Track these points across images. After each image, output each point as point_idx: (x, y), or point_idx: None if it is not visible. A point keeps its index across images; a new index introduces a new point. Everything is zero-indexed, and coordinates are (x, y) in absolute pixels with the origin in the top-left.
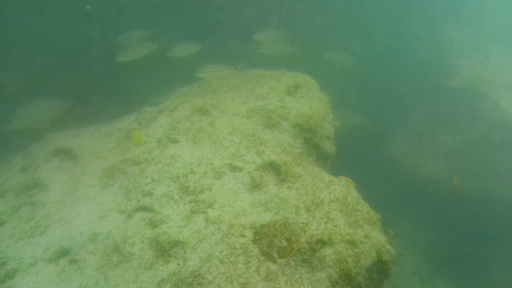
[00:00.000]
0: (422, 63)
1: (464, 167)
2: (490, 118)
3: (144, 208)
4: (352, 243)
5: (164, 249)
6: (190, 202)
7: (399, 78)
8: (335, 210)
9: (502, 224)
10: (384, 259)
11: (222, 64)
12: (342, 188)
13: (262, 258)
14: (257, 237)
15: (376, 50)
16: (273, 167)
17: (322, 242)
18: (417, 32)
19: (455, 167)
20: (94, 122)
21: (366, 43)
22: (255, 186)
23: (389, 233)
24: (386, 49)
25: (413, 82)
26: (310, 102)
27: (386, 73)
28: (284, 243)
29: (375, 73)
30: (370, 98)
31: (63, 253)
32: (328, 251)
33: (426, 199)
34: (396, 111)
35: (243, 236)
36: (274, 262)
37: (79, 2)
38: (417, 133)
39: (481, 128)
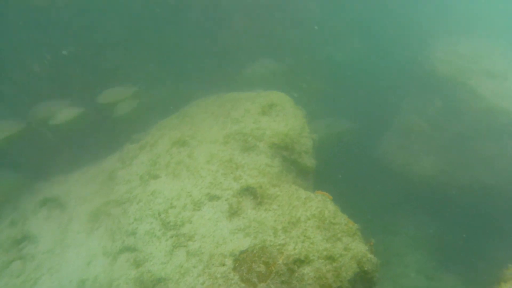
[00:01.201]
0: (402, 63)
1: (454, 159)
2: (473, 108)
3: (129, 248)
4: (330, 258)
5: None
6: (172, 237)
7: (381, 79)
8: (311, 227)
9: (500, 210)
10: (366, 269)
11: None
12: (318, 203)
13: (243, 285)
14: (236, 264)
15: (356, 54)
16: (249, 191)
17: (300, 261)
18: (393, 33)
19: (445, 160)
20: (81, 164)
21: (345, 49)
22: (233, 213)
23: (370, 241)
24: (365, 53)
25: (394, 81)
26: (285, 119)
27: (368, 76)
28: (263, 267)
29: (358, 77)
30: (355, 102)
31: None
32: (306, 269)
33: (422, 195)
34: (381, 112)
35: (224, 265)
36: (254, 287)
37: (55, 49)
38: (404, 131)
39: (465, 119)
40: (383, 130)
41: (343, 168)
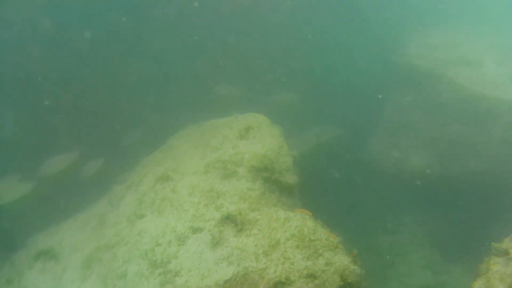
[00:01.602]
0: (380, 64)
1: (443, 150)
2: (454, 98)
3: None
4: (311, 276)
5: None
6: (159, 275)
7: (362, 84)
8: (291, 247)
9: (494, 195)
10: (350, 281)
11: None
12: (297, 222)
13: None
14: None
15: (335, 64)
16: (230, 219)
17: (281, 284)
18: (369, 34)
19: (434, 152)
20: (73, 210)
21: (324, 60)
22: (215, 243)
23: (353, 252)
24: (344, 61)
25: (375, 83)
26: (262, 140)
27: (350, 82)
28: None
29: (340, 85)
30: (341, 110)
31: None
32: None
33: (418, 190)
34: (367, 115)
35: None
36: None
37: None
38: (391, 130)
39: (448, 109)
40: (371, 132)
41: (336, 175)
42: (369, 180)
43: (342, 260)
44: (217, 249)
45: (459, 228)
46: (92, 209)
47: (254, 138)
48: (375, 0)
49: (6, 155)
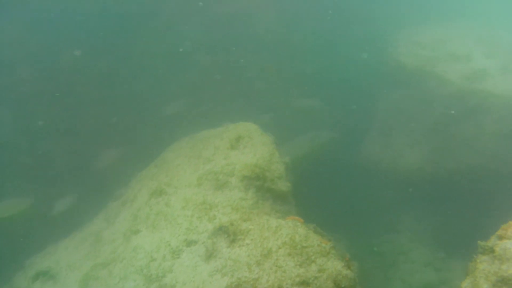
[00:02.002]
0: (369, 65)
1: (437, 146)
2: (444, 94)
3: None
4: (304, 283)
5: None
6: None
7: (353, 85)
8: (283, 255)
9: (490, 189)
10: (343, 286)
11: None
12: (288, 230)
13: None
14: None
15: (325, 65)
16: (223, 230)
17: None
18: (357, 36)
19: (428, 148)
20: (70, 229)
21: (314, 62)
22: (209, 255)
23: (346, 256)
24: (334, 63)
25: (366, 84)
26: (253, 149)
27: (341, 84)
28: None
29: (332, 88)
30: (333, 113)
31: None
32: None
33: (415, 188)
34: (359, 117)
35: None
36: None
37: None
38: (384, 129)
39: (439, 105)
40: (364, 133)
41: (332, 178)
42: (366, 181)
43: (335, 266)
44: (211, 261)
45: (459, 223)
46: (89, 227)
47: (245, 148)
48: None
49: None
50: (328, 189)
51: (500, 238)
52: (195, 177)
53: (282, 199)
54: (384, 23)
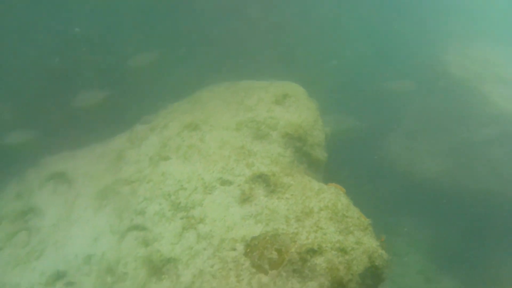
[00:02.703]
0: (413, 64)
1: (460, 163)
2: (482, 113)
3: (137, 227)
4: (342, 250)
5: (157, 267)
6: (181, 219)
7: (391, 79)
8: (324, 218)
9: (503, 217)
10: (376, 264)
11: None
12: (331, 195)
13: (254, 270)
14: (248, 250)
15: (366, 53)
16: (262, 179)
17: (312, 251)
18: (406, 34)
19: (451, 163)
20: (88, 142)
21: (354, 48)
22: (245, 199)
23: (381, 237)
24: (376, 52)
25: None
26: (298, 110)
27: (376, 75)
28: (275, 255)
29: (365, 75)
30: (362, 100)
31: (59, 276)
32: (318, 260)
33: (425, 196)
34: (388, 112)
35: (234, 249)
36: (266, 273)
37: (68, 25)
38: (411, 132)
39: (474, 124)
40: (390, 129)
41: (348, 165)
42: (379, 176)
43: (371, 243)
44: (245, 205)
45: (459, 242)
46: (109, 144)
47: (290, 107)
48: (417, 3)
49: None
50: (341, 174)
51: None
52: (234, 121)
53: (316, 167)
54: (437, 30)
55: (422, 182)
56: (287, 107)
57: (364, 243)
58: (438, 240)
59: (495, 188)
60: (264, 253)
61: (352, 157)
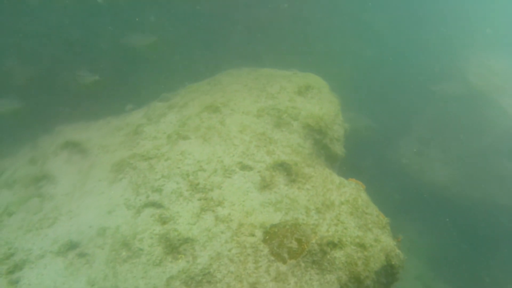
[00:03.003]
0: (431, 69)
1: (470, 173)
2: (499, 126)
3: (154, 204)
4: (362, 246)
5: (174, 246)
6: (199, 200)
7: (405, 83)
8: (345, 213)
9: (506, 230)
10: (393, 263)
11: None
12: (352, 190)
13: (272, 258)
14: (267, 237)
15: (385, 53)
16: (283, 167)
17: (333, 244)
18: (427, 38)
19: (461, 172)
20: (102, 116)
21: (375, 46)
22: (265, 185)
23: (398, 237)
24: (395, 53)
25: (422, 88)
26: (320, 103)
27: (393, 77)
28: (295, 244)
29: (383, 77)
30: (376, 101)
31: (72, 246)
32: (338, 253)
33: (431, 203)
34: (402, 116)
35: (253, 235)
36: (284, 262)
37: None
38: (424, 138)
39: (489, 136)
40: (402, 133)
41: (358, 163)
42: (387, 179)
43: (389, 241)
44: (265, 192)
45: (459, 251)
46: (125, 118)
47: (312, 98)
48: (439, 12)
49: None
50: (348, 174)
51: None
52: (256, 107)
53: (332, 162)
54: (459, 38)
55: (429, 189)
56: (309, 99)
57: (382, 241)
58: (439, 248)
59: (501, 201)
60: (284, 241)
61: (362, 156)
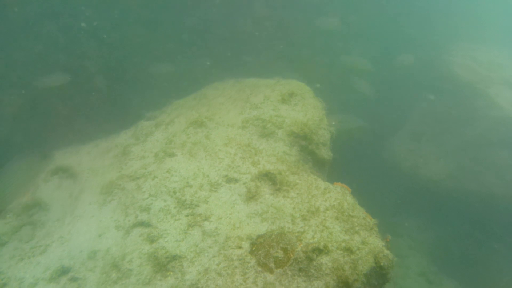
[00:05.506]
0: (418, 64)
1: (464, 165)
2: (488, 116)
3: (142, 224)
4: (348, 250)
5: (162, 264)
6: (187, 216)
7: (395, 79)
8: (330, 218)
9: (505, 221)
10: (382, 264)
11: None
12: (337, 195)
13: (259, 269)
14: (253, 248)
15: (372, 52)
16: (268, 177)
17: (318, 250)
18: (411, 33)
19: (455, 165)
20: (92, 137)
21: (362, 46)
22: (251, 197)
23: (387, 237)
24: (382, 52)
25: (409, 83)
26: (304, 109)
27: (382, 75)
28: (281, 253)
29: (372, 75)
30: (366, 101)
31: (63, 271)
32: (324, 259)
33: (428, 199)
34: (393, 113)
35: (240, 247)
36: (271, 272)
37: (74, 20)
38: (416, 133)
39: (480, 126)
40: (394, 130)
41: (352, 165)
42: (382, 177)
43: (376, 243)
44: (251, 204)
45: (460, 244)
46: (114, 139)
47: (296, 105)
48: (422, 6)
49: None
50: (342, 174)
51: None
52: (240, 119)
53: (320, 167)
54: (440, 30)
55: (425, 184)
56: (293, 106)
57: (370, 243)
58: (440, 243)
59: (498, 191)
60: (270, 251)
61: (355, 157)
